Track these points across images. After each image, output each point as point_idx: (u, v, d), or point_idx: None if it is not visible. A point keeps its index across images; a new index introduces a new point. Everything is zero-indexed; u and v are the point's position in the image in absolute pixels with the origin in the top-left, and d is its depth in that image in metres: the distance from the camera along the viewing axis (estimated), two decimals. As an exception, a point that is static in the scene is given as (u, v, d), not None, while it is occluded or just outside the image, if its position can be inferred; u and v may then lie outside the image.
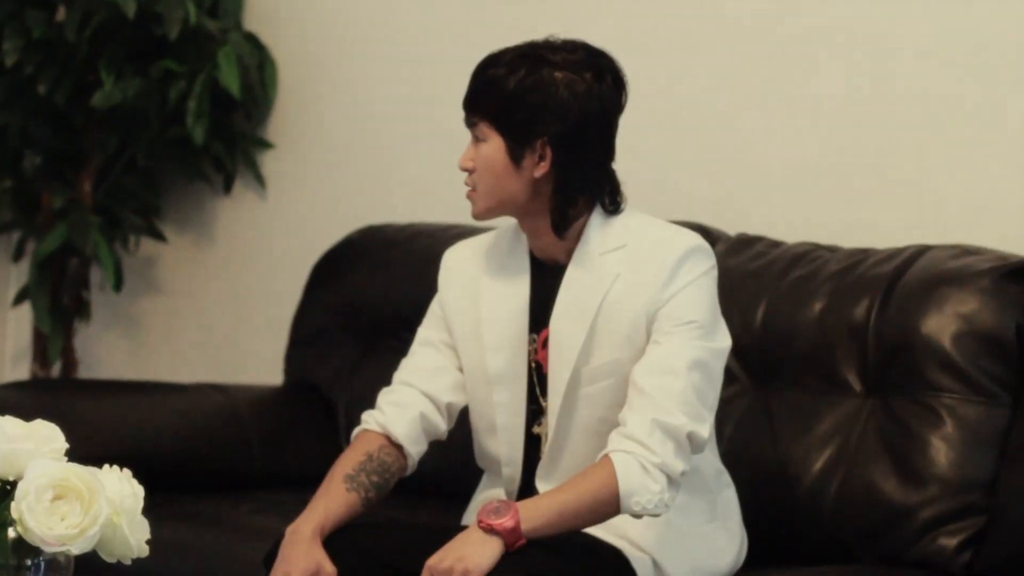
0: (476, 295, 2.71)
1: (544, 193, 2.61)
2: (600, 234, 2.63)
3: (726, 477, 2.78)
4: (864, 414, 2.97)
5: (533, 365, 2.68)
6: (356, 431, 2.76)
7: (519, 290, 2.68)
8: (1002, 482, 2.85)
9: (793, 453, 3.00)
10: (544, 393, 2.67)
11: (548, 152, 2.58)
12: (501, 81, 2.58)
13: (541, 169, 2.59)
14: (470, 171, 2.63)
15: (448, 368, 2.76)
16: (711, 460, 2.73)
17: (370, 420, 2.75)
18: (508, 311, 2.68)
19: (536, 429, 2.69)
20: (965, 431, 2.87)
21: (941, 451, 2.87)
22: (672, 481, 2.50)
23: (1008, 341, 2.89)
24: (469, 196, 2.66)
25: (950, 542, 2.83)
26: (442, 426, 2.77)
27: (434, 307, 2.80)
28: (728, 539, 2.74)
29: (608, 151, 2.65)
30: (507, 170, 2.60)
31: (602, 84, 2.61)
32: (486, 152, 2.60)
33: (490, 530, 2.43)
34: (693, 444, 2.52)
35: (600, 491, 2.48)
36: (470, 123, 2.63)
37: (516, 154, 2.59)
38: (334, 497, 2.63)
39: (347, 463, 2.70)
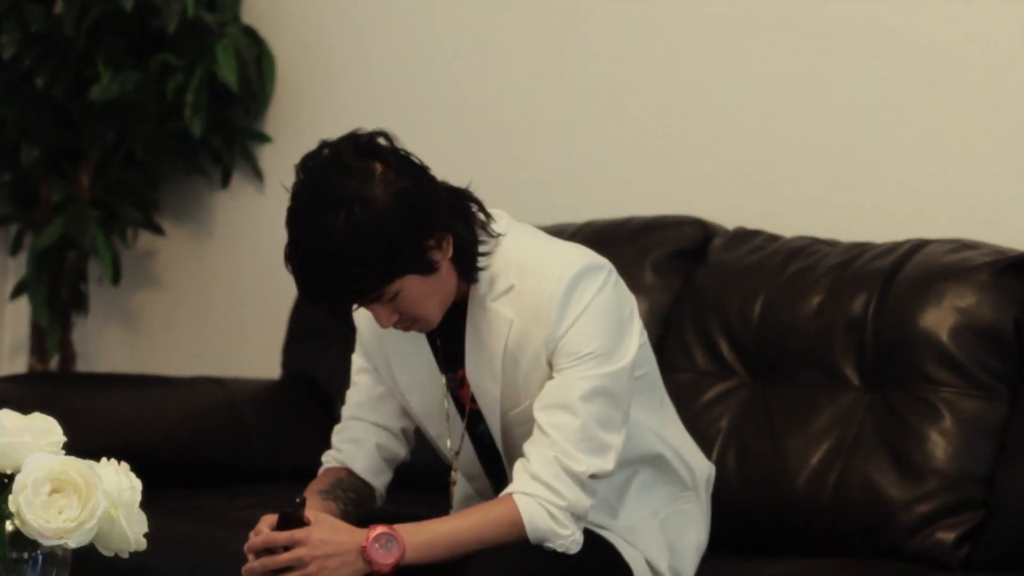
0: (382, 338, 2.65)
1: (452, 262, 2.51)
2: (487, 276, 2.53)
3: (692, 457, 2.71)
4: (862, 408, 2.97)
5: (449, 403, 2.63)
6: (320, 471, 2.74)
7: (421, 336, 2.62)
8: (1000, 476, 2.85)
9: (791, 447, 3.00)
10: (457, 428, 2.64)
11: (444, 235, 2.47)
12: (359, 246, 2.39)
13: (449, 250, 2.48)
14: (398, 320, 2.50)
15: (390, 394, 2.71)
16: (671, 442, 2.67)
17: (330, 459, 2.74)
18: (415, 354, 2.62)
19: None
20: (963, 425, 2.88)
21: (939, 445, 2.87)
22: (580, 518, 2.48)
23: (1006, 335, 2.90)
24: (410, 329, 2.53)
25: (948, 536, 2.83)
26: (401, 451, 2.75)
27: (359, 336, 2.73)
28: (700, 510, 2.71)
29: (444, 189, 2.52)
30: (432, 283, 2.47)
31: (390, 156, 2.47)
32: (406, 296, 2.46)
33: (369, 561, 2.40)
34: (597, 479, 2.49)
35: (505, 534, 2.45)
36: (372, 300, 2.44)
37: (429, 267, 2.45)
38: (310, 507, 2.56)
39: (319, 484, 2.69)
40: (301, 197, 2.48)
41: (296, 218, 2.48)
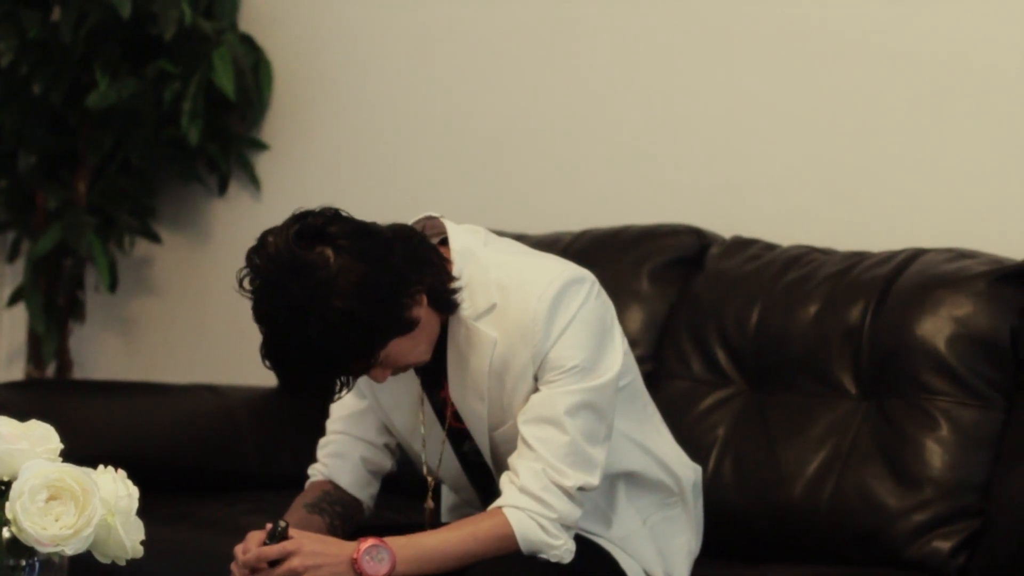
0: None
1: (430, 306, 2.50)
2: (466, 296, 2.51)
3: (676, 463, 2.69)
4: (858, 417, 2.97)
5: (426, 427, 2.63)
6: (306, 485, 2.74)
7: None
8: (996, 485, 2.86)
9: (787, 455, 3.00)
10: (436, 448, 2.64)
11: (416, 293, 2.44)
12: (337, 343, 2.37)
13: (423, 299, 2.45)
14: (391, 373, 2.50)
15: (374, 408, 2.71)
16: (654, 451, 2.66)
17: (316, 473, 2.74)
18: (396, 375, 2.59)
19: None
20: (959, 434, 2.88)
21: (936, 454, 2.87)
22: (570, 528, 2.48)
23: (1002, 344, 2.90)
24: (404, 372, 2.54)
25: (945, 545, 2.83)
26: (387, 463, 2.74)
27: None
28: (688, 515, 2.70)
29: (401, 250, 2.46)
30: (417, 334, 2.46)
31: (340, 239, 2.39)
32: (394, 355, 2.44)
33: (359, 573, 2.39)
34: (584, 492, 2.49)
35: (495, 548, 2.45)
36: (362, 372, 2.44)
37: (410, 326, 2.44)
38: (296, 520, 2.58)
39: (305, 498, 2.69)
40: (264, 304, 2.40)
41: (265, 322, 2.40)
